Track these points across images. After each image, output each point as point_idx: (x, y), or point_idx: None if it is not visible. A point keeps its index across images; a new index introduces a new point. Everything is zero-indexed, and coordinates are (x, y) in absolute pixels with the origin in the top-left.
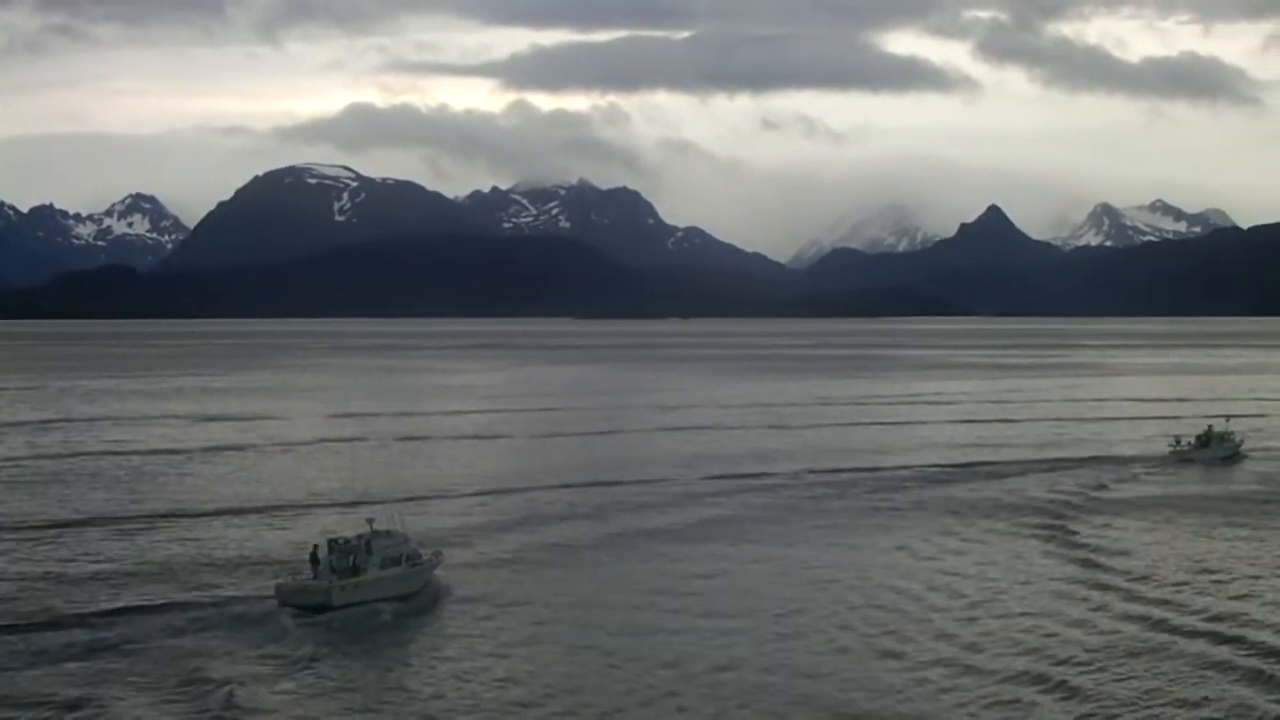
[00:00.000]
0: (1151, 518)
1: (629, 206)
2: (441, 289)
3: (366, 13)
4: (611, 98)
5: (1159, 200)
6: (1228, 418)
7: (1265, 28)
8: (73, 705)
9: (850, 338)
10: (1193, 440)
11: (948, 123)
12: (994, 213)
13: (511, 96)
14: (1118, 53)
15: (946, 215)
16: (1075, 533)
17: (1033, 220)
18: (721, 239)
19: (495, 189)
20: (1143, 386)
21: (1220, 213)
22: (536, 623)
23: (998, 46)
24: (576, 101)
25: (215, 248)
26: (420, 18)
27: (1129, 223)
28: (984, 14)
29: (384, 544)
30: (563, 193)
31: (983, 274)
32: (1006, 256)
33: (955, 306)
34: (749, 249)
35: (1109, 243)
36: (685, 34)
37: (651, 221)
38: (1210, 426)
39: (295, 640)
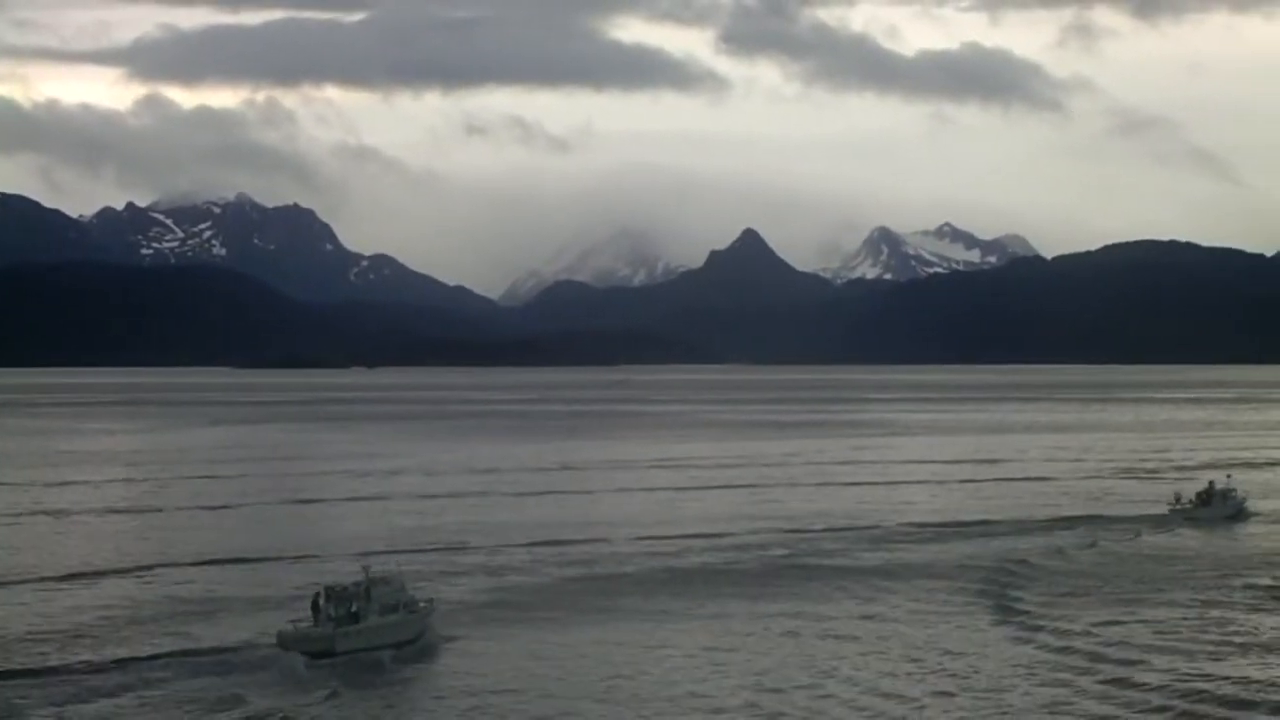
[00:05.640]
0: None
1: (301, 229)
2: (64, 330)
3: None
4: (268, 93)
5: (947, 224)
6: (1229, 474)
7: (1063, 15)
8: None
9: (582, 390)
10: (1193, 498)
11: (691, 127)
12: (750, 238)
13: (140, 90)
14: (889, 44)
15: (693, 241)
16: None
17: (797, 248)
18: (416, 269)
19: (131, 206)
20: (966, 448)
21: (1019, 239)
22: None
23: (746, 35)
24: (224, 97)
25: None
26: None
27: (912, 251)
28: None
29: (382, 591)
30: (217, 211)
31: (738, 312)
32: (766, 291)
33: (705, 351)
34: (451, 282)
35: (889, 275)
36: (358, 16)
37: (329, 247)
38: (1211, 482)
39: None
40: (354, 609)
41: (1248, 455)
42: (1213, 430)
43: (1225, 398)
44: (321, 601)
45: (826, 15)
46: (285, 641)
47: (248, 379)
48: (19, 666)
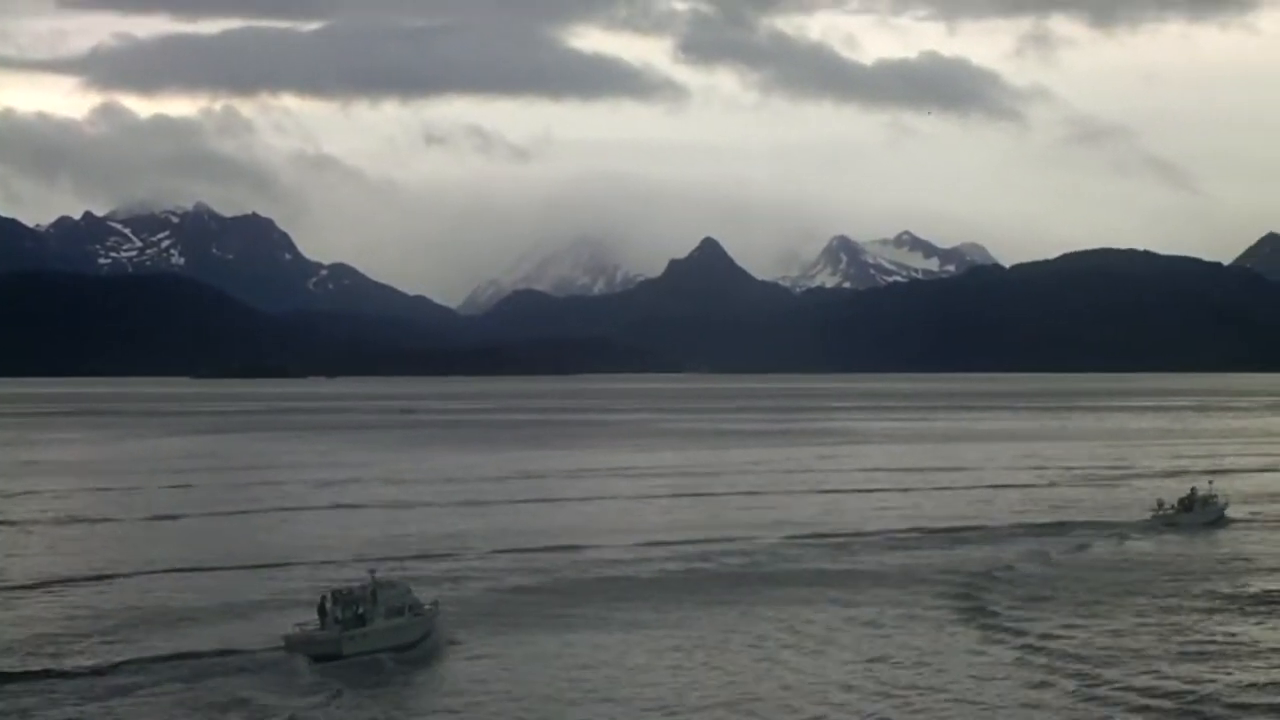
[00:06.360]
0: None
1: (259, 238)
2: (20, 341)
3: None
4: (226, 102)
5: (906, 233)
6: (1211, 479)
7: (1021, 25)
8: None
9: (542, 400)
10: (1175, 504)
11: (650, 136)
12: (709, 247)
13: (97, 99)
14: (847, 53)
15: (652, 250)
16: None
17: (756, 257)
18: (376, 279)
19: (88, 215)
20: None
21: (978, 248)
22: None
23: (704, 44)
24: (181, 106)
25: None
26: None
27: (871, 260)
28: (683, 5)
29: (388, 594)
30: (175, 220)
31: (697, 321)
32: (726, 300)
33: (665, 360)
34: (410, 291)
35: (848, 284)
36: (315, 25)
37: (288, 257)
38: (1194, 489)
39: None
40: (360, 612)
41: (1212, 463)
42: (1177, 437)
43: (1187, 405)
44: (328, 605)
45: (784, 24)
46: (292, 645)
47: (207, 389)
48: None
